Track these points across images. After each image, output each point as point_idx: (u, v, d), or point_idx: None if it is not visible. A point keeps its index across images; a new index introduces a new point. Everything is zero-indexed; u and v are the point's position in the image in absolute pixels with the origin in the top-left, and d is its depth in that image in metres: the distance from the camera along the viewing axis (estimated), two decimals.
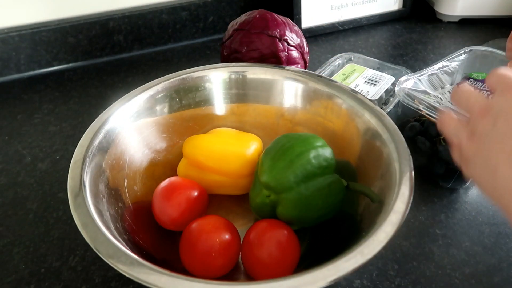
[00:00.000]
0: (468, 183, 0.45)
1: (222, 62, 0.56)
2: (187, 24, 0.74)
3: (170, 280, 0.25)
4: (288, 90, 0.45)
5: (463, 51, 0.53)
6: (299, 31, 0.55)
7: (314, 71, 0.59)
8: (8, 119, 0.58)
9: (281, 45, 0.51)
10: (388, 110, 0.53)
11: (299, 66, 0.54)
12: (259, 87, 0.46)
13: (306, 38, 0.57)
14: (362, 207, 0.36)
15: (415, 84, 0.49)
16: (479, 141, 0.26)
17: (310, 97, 0.44)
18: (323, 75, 0.49)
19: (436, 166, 0.45)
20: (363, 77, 0.59)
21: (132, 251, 0.28)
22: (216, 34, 0.77)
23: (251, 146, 0.40)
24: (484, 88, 0.45)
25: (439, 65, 0.51)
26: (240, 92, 0.46)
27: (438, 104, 0.41)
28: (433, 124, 0.43)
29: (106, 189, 0.34)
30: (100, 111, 0.39)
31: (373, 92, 0.56)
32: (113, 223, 0.32)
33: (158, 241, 0.37)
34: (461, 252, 0.39)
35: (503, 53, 0.51)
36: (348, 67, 0.62)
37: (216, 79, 0.45)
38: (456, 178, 0.44)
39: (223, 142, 0.40)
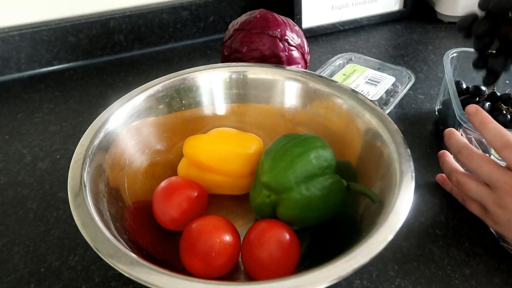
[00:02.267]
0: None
1: (222, 62, 0.56)
2: (188, 24, 0.74)
3: (170, 280, 0.25)
4: (289, 90, 0.45)
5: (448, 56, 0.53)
6: (300, 31, 0.55)
7: (315, 71, 0.59)
8: (8, 118, 0.58)
9: (281, 45, 0.51)
10: (389, 110, 0.53)
11: (299, 66, 0.54)
12: (259, 87, 0.46)
13: (306, 38, 0.57)
14: (363, 208, 0.36)
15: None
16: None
17: (310, 97, 0.44)
18: (323, 75, 0.49)
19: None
20: (364, 77, 0.59)
21: (132, 251, 0.28)
22: (216, 34, 0.78)
23: (252, 146, 0.40)
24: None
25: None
26: (241, 92, 0.46)
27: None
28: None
29: (106, 189, 0.34)
30: (101, 110, 0.39)
31: (374, 93, 0.56)
32: (113, 222, 0.32)
33: (158, 241, 0.37)
34: (461, 253, 0.39)
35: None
36: (348, 68, 0.62)
37: (216, 79, 0.45)
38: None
39: (223, 142, 0.40)
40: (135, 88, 0.42)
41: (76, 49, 0.68)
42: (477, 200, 0.37)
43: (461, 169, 0.40)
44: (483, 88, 0.51)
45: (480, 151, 0.37)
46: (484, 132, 0.36)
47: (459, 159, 0.38)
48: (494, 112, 0.49)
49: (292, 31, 0.53)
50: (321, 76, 0.44)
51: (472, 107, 0.37)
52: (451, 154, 0.40)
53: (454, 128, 0.45)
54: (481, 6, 0.39)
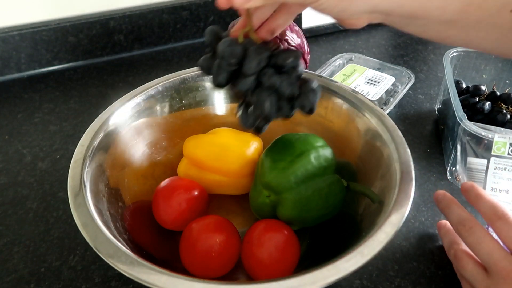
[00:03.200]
0: None
1: None
2: (188, 24, 0.74)
3: (170, 280, 0.25)
4: None
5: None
6: (300, 31, 0.55)
7: (315, 71, 0.59)
8: (8, 118, 0.58)
9: (281, 45, 0.51)
10: (389, 110, 0.53)
11: None
12: None
13: (306, 38, 0.57)
14: (362, 208, 0.36)
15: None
16: None
17: None
18: (323, 75, 0.49)
19: None
20: (364, 77, 0.59)
21: (132, 251, 0.28)
22: None
23: (251, 146, 0.40)
24: None
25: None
26: None
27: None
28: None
29: (106, 189, 0.34)
30: (101, 110, 0.39)
31: (374, 93, 0.56)
32: (113, 222, 0.32)
33: (158, 241, 0.37)
34: None
35: None
36: (348, 67, 0.62)
37: None
38: None
39: (223, 142, 0.40)
40: (135, 88, 0.42)
41: (76, 49, 0.68)
42: (469, 281, 0.33)
43: (463, 243, 0.35)
44: (483, 87, 0.51)
45: (484, 228, 0.33)
46: (479, 205, 0.34)
47: (459, 230, 0.34)
48: (494, 112, 0.49)
49: (292, 31, 0.53)
50: (321, 76, 0.44)
51: (468, 184, 0.35)
52: (451, 224, 0.35)
53: (454, 128, 0.45)
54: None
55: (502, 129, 0.40)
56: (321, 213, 0.35)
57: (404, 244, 0.40)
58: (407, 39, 0.76)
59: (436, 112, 0.57)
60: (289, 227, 0.35)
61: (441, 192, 0.37)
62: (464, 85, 0.54)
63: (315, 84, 0.30)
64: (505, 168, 0.39)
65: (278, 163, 0.35)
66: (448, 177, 0.47)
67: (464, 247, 0.34)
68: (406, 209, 0.29)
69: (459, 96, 0.47)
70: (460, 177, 0.44)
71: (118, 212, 0.34)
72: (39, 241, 0.41)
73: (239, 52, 0.28)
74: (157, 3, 0.71)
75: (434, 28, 0.29)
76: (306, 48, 0.55)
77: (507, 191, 0.39)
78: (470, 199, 0.35)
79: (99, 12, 0.69)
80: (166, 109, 0.43)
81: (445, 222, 0.38)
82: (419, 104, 0.59)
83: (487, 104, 0.49)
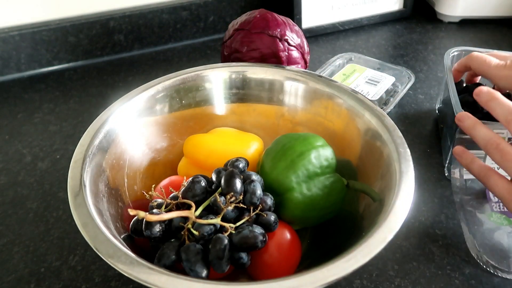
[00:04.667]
0: None
1: (222, 61, 0.55)
2: (188, 24, 0.74)
3: (170, 280, 0.25)
4: (289, 90, 0.45)
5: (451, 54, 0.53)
6: (300, 31, 0.55)
7: (315, 71, 0.59)
8: (8, 118, 0.58)
9: (281, 45, 0.51)
10: (389, 110, 0.53)
11: (299, 66, 0.54)
12: (259, 87, 0.46)
13: (306, 38, 0.57)
14: (363, 207, 0.36)
15: None
16: None
17: (310, 97, 0.44)
18: (323, 75, 0.49)
19: None
20: (364, 77, 0.59)
21: (132, 251, 0.28)
22: (216, 34, 0.78)
23: (252, 146, 0.40)
24: None
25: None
26: (241, 92, 0.46)
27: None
28: None
29: (106, 189, 0.34)
30: (101, 110, 0.39)
31: (374, 92, 0.56)
32: (113, 222, 0.32)
33: None
34: (461, 253, 0.39)
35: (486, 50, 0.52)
36: (348, 67, 0.62)
37: (216, 78, 0.45)
38: None
39: (223, 142, 0.40)
40: (135, 88, 0.42)
41: (76, 49, 0.68)
42: (501, 200, 0.34)
43: (480, 160, 0.36)
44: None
45: (509, 144, 0.33)
46: (492, 106, 0.35)
47: (488, 149, 0.34)
48: None
49: (292, 31, 0.53)
50: (321, 76, 0.44)
51: (483, 90, 0.37)
52: (478, 143, 0.35)
53: (453, 126, 0.45)
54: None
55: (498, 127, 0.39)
56: (323, 213, 0.35)
57: (404, 244, 0.40)
58: (407, 39, 0.76)
59: (437, 111, 0.57)
60: (291, 227, 0.35)
61: (459, 148, 0.39)
62: (464, 84, 0.54)
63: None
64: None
65: (279, 163, 0.35)
66: (446, 174, 0.47)
67: (483, 163, 0.35)
68: (406, 209, 0.29)
69: (458, 95, 0.47)
70: (456, 174, 0.44)
71: (118, 212, 0.34)
72: (39, 241, 0.41)
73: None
74: (157, 3, 0.71)
75: None
76: (306, 48, 0.55)
77: None
78: (482, 102, 0.37)
79: (99, 12, 0.69)
80: (166, 109, 0.43)
81: (462, 148, 0.39)
82: (419, 104, 0.59)
83: None
